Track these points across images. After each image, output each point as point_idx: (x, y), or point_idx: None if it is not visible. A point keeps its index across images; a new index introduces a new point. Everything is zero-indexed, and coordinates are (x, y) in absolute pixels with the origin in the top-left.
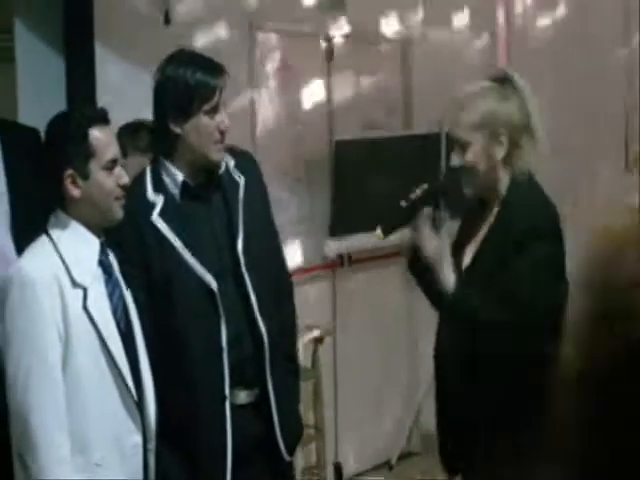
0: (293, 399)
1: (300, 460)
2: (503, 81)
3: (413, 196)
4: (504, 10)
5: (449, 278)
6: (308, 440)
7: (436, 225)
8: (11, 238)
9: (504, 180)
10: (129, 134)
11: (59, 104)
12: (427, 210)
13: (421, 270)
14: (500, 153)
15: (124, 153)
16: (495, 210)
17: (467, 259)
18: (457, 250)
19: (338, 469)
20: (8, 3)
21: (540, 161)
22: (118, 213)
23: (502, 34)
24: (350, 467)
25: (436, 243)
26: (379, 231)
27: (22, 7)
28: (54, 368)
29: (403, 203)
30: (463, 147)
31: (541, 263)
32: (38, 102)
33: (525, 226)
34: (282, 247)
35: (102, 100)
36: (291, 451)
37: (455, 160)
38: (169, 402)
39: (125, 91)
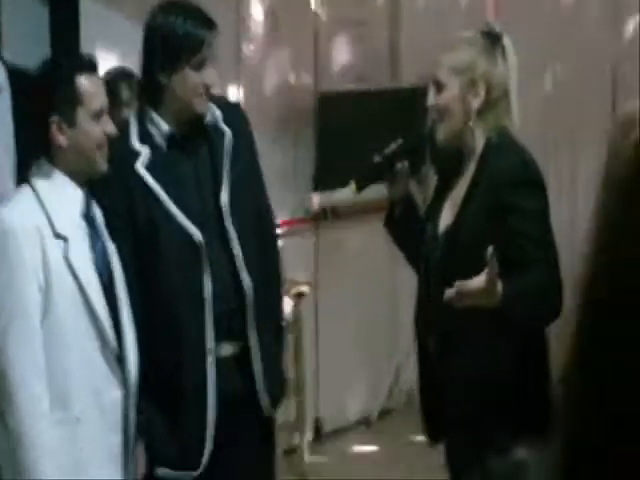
0: (277, 354)
1: (279, 414)
2: (491, 36)
3: (387, 151)
4: None
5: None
6: (288, 395)
7: (417, 180)
8: None
9: (479, 135)
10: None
11: (43, 54)
12: (402, 165)
13: (396, 226)
14: (475, 103)
15: (117, 96)
16: (472, 167)
17: (447, 219)
18: (432, 210)
19: (318, 424)
20: None
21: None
22: (102, 164)
23: None
24: (330, 423)
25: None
26: (353, 185)
27: None
28: (33, 319)
29: (377, 158)
30: (439, 88)
31: (537, 212)
32: (22, 52)
33: (510, 178)
34: (269, 200)
35: (86, 48)
36: (274, 406)
37: (430, 99)
38: (152, 354)
39: (109, 44)
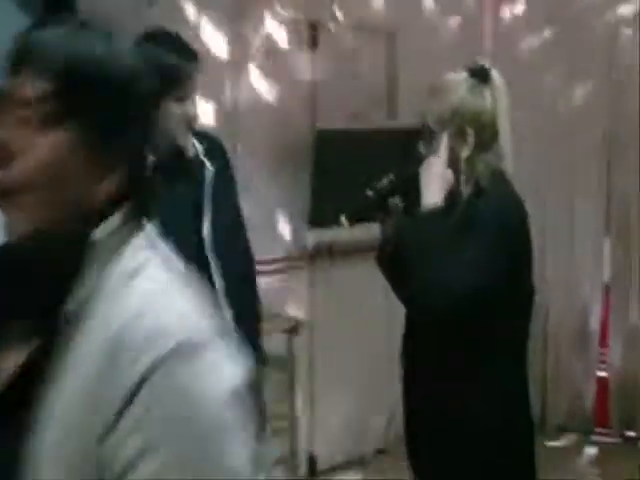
0: (258, 387)
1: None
2: (478, 73)
3: (379, 186)
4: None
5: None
6: (282, 431)
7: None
8: None
9: (467, 180)
10: None
11: None
12: (393, 201)
13: (389, 264)
14: (465, 152)
15: None
16: (459, 211)
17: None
18: None
19: (312, 461)
20: None
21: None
22: None
23: (488, 25)
24: (324, 460)
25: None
26: (343, 219)
27: None
28: None
29: (369, 193)
30: (430, 136)
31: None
32: None
33: (479, 218)
34: (247, 235)
35: None
36: None
37: (422, 148)
38: None
39: None
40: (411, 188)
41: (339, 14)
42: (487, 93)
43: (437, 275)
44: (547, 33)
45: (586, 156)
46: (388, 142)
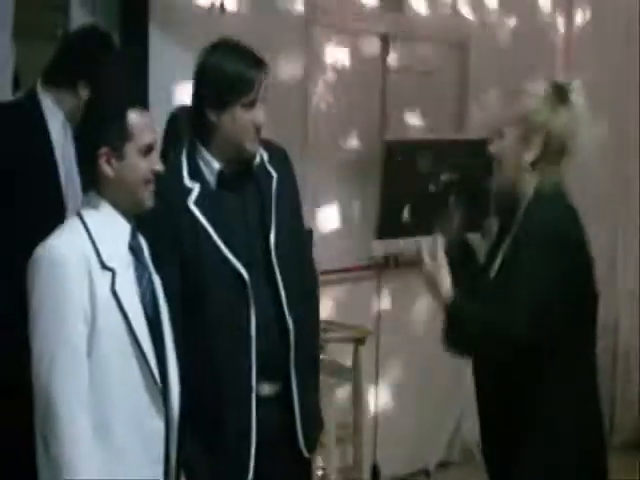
0: (315, 395)
1: (336, 459)
2: (558, 88)
3: (442, 179)
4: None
5: (447, 293)
6: (346, 440)
7: (481, 232)
8: None
9: (529, 188)
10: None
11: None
12: (455, 199)
13: (452, 271)
14: (528, 156)
15: (179, 134)
16: (519, 218)
17: (495, 268)
18: (489, 258)
19: (375, 471)
20: None
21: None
22: (148, 199)
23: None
24: (387, 471)
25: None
26: (406, 211)
27: None
28: (78, 349)
29: (432, 187)
30: (498, 136)
31: (541, 268)
32: None
33: (528, 237)
34: (310, 245)
35: (153, 86)
36: (311, 446)
37: (490, 147)
38: (195, 390)
39: (177, 78)
40: (474, 192)
41: (411, 26)
42: (562, 110)
43: (496, 322)
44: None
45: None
46: (457, 154)
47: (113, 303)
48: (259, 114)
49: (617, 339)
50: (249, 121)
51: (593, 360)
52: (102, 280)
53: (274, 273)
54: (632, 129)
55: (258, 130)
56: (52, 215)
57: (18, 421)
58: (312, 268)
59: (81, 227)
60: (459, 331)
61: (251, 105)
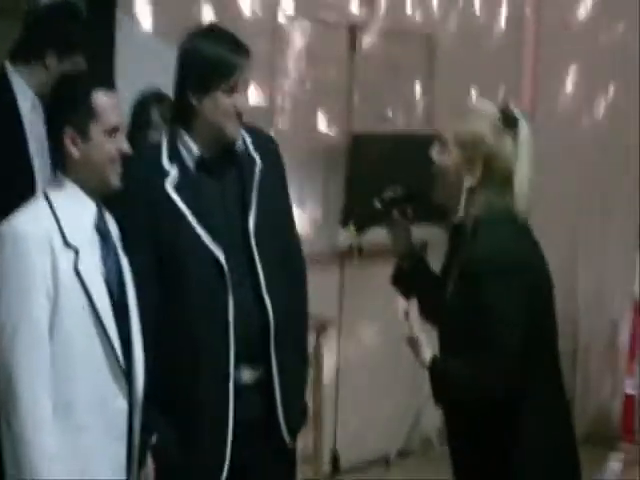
0: (299, 383)
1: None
2: (509, 120)
3: (385, 196)
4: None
5: (426, 357)
6: (306, 429)
7: (406, 229)
8: None
9: (470, 211)
10: (156, 102)
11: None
12: (399, 212)
13: (407, 281)
14: (467, 181)
15: (148, 117)
16: (467, 243)
17: (449, 290)
18: (445, 273)
19: (335, 458)
20: None
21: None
22: (114, 180)
23: (530, 29)
24: (347, 458)
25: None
26: (351, 227)
27: None
28: (40, 325)
29: (377, 204)
30: (443, 149)
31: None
32: None
33: (481, 265)
34: (297, 231)
35: (119, 64)
36: (293, 434)
37: (434, 154)
38: (170, 373)
39: (142, 60)
40: (418, 199)
41: (378, 18)
42: (509, 138)
43: (478, 380)
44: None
45: (618, 170)
46: (422, 148)
47: (76, 282)
48: (241, 99)
49: (577, 337)
50: (230, 106)
51: (560, 380)
52: (65, 258)
53: (253, 257)
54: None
55: (240, 115)
56: (22, 192)
57: None
58: (299, 255)
59: (45, 205)
60: (444, 391)
61: (232, 90)
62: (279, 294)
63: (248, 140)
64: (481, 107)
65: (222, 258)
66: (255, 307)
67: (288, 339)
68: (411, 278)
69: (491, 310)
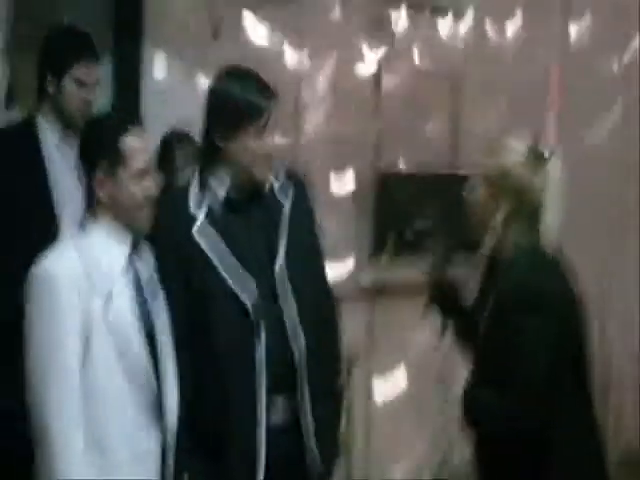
0: (331, 423)
1: None
2: (539, 157)
3: (416, 227)
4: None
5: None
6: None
7: (441, 260)
8: None
9: (503, 244)
10: (178, 142)
11: (103, 106)
12: (432, 243)
13: (439, 307)
14: (499, 215)
15: (171, 159)
16: (500, 278)
17: (482, 325)
18: (476, 307)
19: None
20: (59, 3)
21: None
22: (143, 223)
23: (556, 73)
24: None
25: None
26: (385, 256)
27: (72, 7)
28: (72, 367)
29: (409, 235)
30: (476, 185)
31: (531, 333)
32: None
33: (511, 299)
34: (327, 275)
35: (146, 106)
36: (324, 474)
37: (467, 189)
38: (203, 418)
39: (169, 100)
40: (449, 233)
41: (405, 58)
42: (538, 173)
43: (506, 412)
44: None
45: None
46: (449, 189)
47: (108, 322)
48: (268, 142)
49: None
50: (258, 148)
51: (592, 414)
52: (96, 300)
53: (280, 299)
54: None
55: (269, 157)
56: (44, 235)
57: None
58: (329, 297)
59: (76, 247)
60: (472, 418)
61: (260, 132)
62: (308, 335)
63: (277, 180)
64: (511, 143)
65: (249, 303)
66: (284, 348)
67: (319, 379)
68: (442, 306)
69: (522, 343)
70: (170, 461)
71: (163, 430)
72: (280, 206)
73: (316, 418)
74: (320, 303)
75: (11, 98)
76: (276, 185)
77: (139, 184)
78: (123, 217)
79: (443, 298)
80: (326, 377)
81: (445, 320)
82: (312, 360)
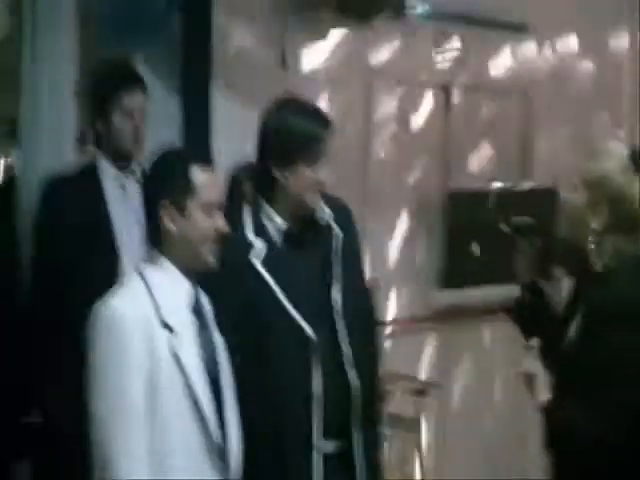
0: (376, 452)
1: None
2: (636, 159)
3: (514, 222)
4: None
5: (542, 398)
6: None
7: (532, 260)
8: None
9: (597, 256)
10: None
11: (173, 143)
12: (526, 241)
13: (524, 314)
14: (595, 223)
15: (240, 195)
16: (594, 290)
17: (572, 331)
18: (566, 317)
19: None
20: (128, 43)
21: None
22: (210, 259)
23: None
24: None
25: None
26: (476, 245)
27: (142, 46)
28: (137, 410)
29: (504, 227)
30: (571, 189)
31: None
32: (153, 140)
33: (609, 312)
34: (371, 301)
35: (216, 141)
36: None
37: (564, 195)
38: (257, 448)
39: (239, 134)
40: (546, 239)
41: (472, 76)
42: (637, 180)
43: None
44: None
45: None
46: (520, 204)
47: (173, 364)
48: (323, 171)
49: None
50: (314, 179)
51: None
52: (163, 340)
53: (337, 331)
54: None
55: (322, 187)
56: (106, 273)
57: None
58: (374, 326)
59: (142, 285)
60: (558, 435)
61: (315, 162)
62: (362, 366)
63: (327, 211)
64: (611, 147)
65: (309, 332)
66: (339, 380)
67: (367, 409)
68: (531, 312)
69: (617, 359)
70: None
71: (225, 474)
72: (333, 234)
73: (365, 448)
74: (367, 333)
75: (83, 140)
76: (328, 215)
77: (208, 218)
78: (190, 250)
79: (531, 307)
80: (372, 407)
81: (529, 336)
82: (365, 390)
